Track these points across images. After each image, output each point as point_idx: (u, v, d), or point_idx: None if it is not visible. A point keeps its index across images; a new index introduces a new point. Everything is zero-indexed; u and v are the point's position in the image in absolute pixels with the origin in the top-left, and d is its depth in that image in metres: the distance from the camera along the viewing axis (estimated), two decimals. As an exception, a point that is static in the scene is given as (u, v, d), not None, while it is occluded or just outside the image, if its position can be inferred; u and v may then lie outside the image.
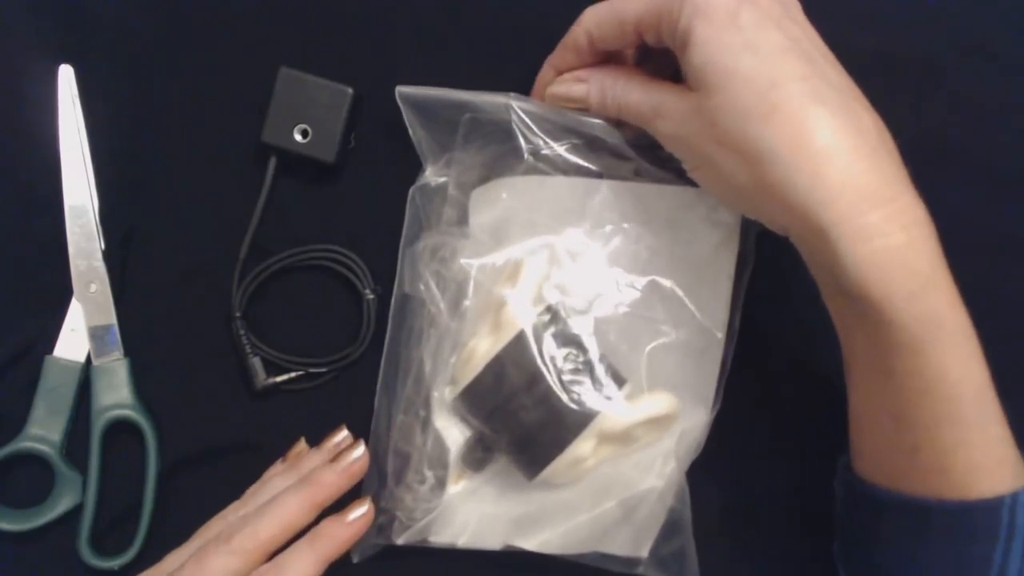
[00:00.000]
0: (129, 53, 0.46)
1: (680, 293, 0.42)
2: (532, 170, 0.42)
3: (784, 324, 0.45)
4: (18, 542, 0.45)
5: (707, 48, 0.35)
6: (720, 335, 0.42)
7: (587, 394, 0.40)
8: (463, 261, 0.42)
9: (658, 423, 0.41)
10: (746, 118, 0.34)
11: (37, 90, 0.45)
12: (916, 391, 0.34)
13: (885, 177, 0.34)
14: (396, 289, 0.43)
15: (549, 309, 0.41)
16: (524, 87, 0.43)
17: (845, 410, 0.39)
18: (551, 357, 0.40)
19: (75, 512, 0.45)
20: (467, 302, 0.42)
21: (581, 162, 0.42)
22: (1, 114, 0.46)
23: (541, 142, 0.42)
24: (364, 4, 0.46)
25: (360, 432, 0.44)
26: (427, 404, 0.42)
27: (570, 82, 0.41)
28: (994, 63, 0.46)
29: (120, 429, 0.45)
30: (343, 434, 0.42)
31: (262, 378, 0.45)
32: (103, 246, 0.45)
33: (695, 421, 0.42)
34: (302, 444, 0.43)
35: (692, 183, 0.39)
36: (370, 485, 0.43)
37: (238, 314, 0.45)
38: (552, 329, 0.40)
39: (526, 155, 0.41)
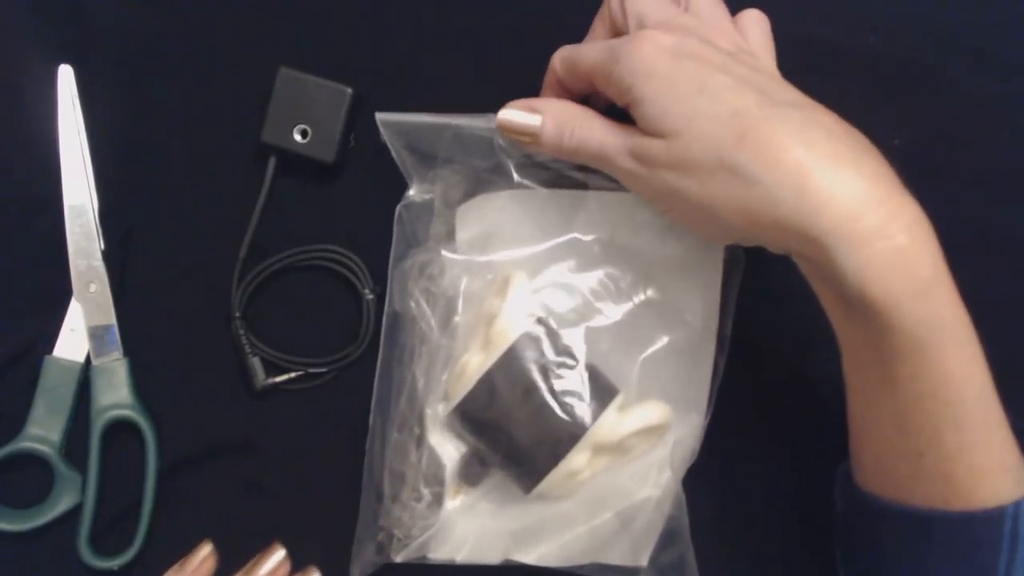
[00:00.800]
0: (129, 53, 0.46)
1: (670, 300, 0.42)
2: (517, 184, 0.42)
3: (777, 329, 0.45)
4: (18, 542, 0.45)
5: (659, 102, 0.35)
6: (712, 341, 0.42)
7: (580, 406, 0.39)
8: (452, 277, 0.42)
9: (652, 432, 0.41)
10: (719, 148, 0.34)
11: (37, 90, 0.45)
12: (919, 395, 0.34)
13: (873, 179, 0.33)
14: (387, 307, 0.43)
15: (539, 322, 0.40)
16: (524, 87, 0.42)
17: (840, 414, 0.38)
18: (543, 370, 0.40)
19: (75, 512, 0.45)
20: (457, 318, 0.42)
21: (566, 174, 0.42)
22: (1, 114, 0.46)
23: (525, 157, 0.41)
24: (364, 4, 0.46)
25: (360, 430, 0.44)
26: (421, 421, 0.42)
27: (522, 110, 0.39)
28: (994, 63, 0.46)
29: (120, 429, 0.45)
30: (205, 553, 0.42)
31: (262, 378, 0.45)
32: (103, 246, 0.45)
33: (689, 429, 0.42)
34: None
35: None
36: (367, 504, 0.43)
37: (238, 314, 0.45)
38: (543, 342, 0.40)
39: (513, 171, 0.41)
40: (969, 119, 0.46)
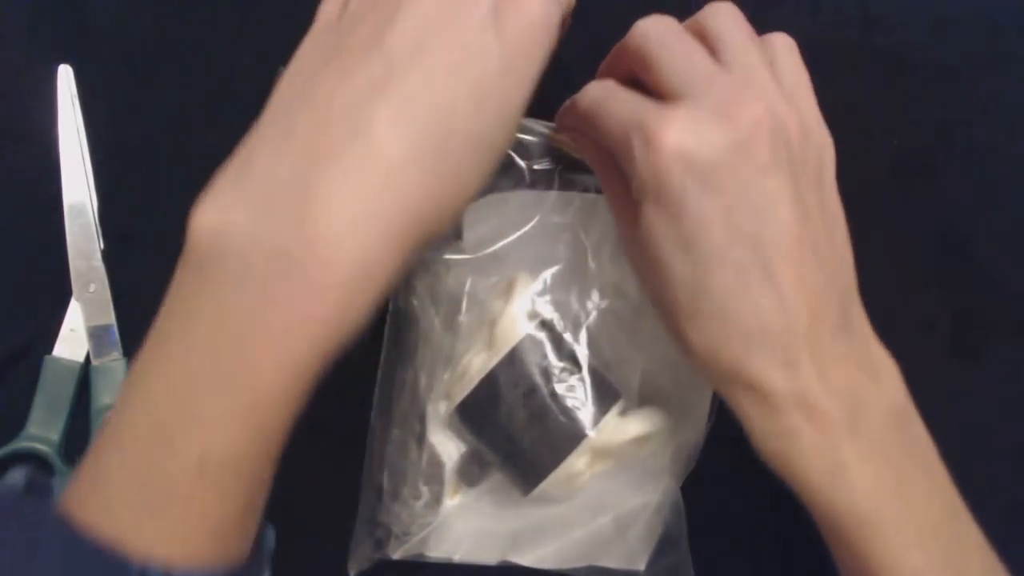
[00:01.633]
0: (129, 53, 0.46)
1: None
2: (527, 185, 0.42)
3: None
4: (18, 542, 0.45)
5: (647, 232, 0.33)
6: None
7: (581, 410, 0.39)
8: (457, 276, 0.42)
9: (652, 438, 0.41)
10: (673, 310, 0.33)
11: (36, 90, 0.45)
12: (852, 569, 0.34)
13: (800, 387, 0.32)
14: (391, 305, 0.43)
15: (543, 324, 0.40)
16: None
17: None
18: (545, 372, 0.40)
19: (74, 512, 0.45)
20: (461, 317, 0.42)
21: (576, 178, 0.42)
22: (0, 114, 0.46)
23: (536, 159, 0.41)
24: (364, 4, 0.46)
25: (360, 430, 0.44)
26: (422, 419, 0.42)
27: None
28: (994, 63, 0.46)
29: (119, 429, 0.45)
30: None
31: (261, 378, 0.45)
32: (102, 246, 0.45)
33: (690, 435, 0.42)
34: None
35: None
36: (366, 500, 0.43)
37: (238, 314, 0.45)
38: (546, 345, 0.40)
39: (525, 172, 0.41)
40: (969, 119, 0.46)
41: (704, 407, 0.42)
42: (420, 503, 0.42)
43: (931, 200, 0.46)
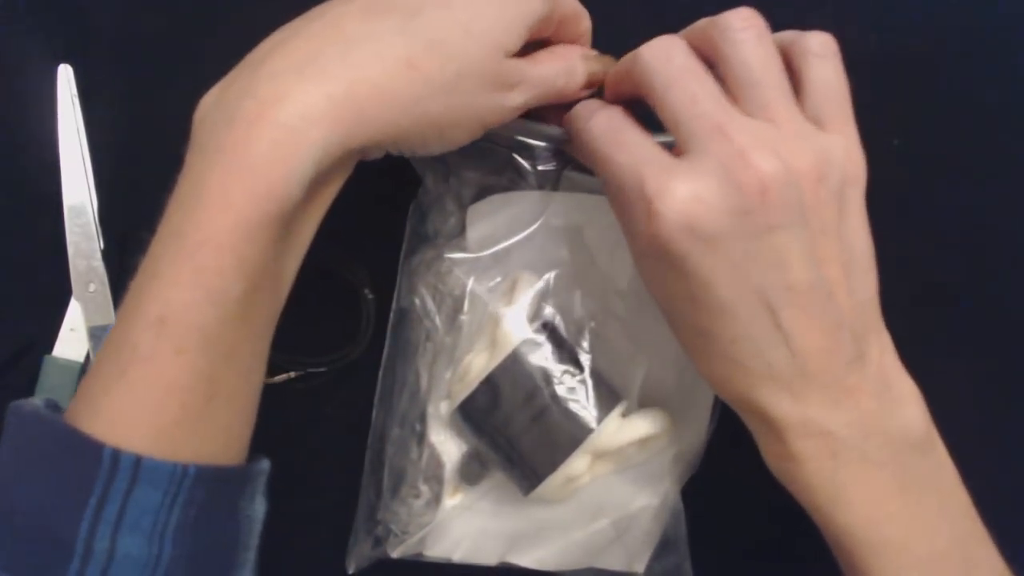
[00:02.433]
0: (129, 53, 0.46)
1: None
2: (531, 186, 0.42)
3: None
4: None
5: (651, 285, 0.34)
6: None
7: (582, 412, 0.39)
8: (459, 276, 0.42)
9: (653, 441, 0.41)
10: (681, 341, 0.35)
11: (36, 89, 0.45)
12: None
13: (808, 417, 0.33)
14: (394, 303, 0.43)
15: (546, 326, 0.40)
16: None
17: None
18: (547, 374, 0.40)
19: (74, 512, 0.45)
20: (463, 317, 0.42)
21: (581, 179, 0.42)
22: (0, 114, 0.46)
23: (540, 161, 0.41)
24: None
25: (361, 430, 0.44)
26: (423, 419, 0.43)
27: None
28: (995, 63, 0.46)
29: (119, 429, 0.45)
30: None
31: (261, 378, 0.45)
32: (102, 246, 0.45)
33: (691, 439, 0.42)
34: None
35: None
36: (366, 498, 0.43)
37: (238, 314, 0.45)
38: (548, 346, 0.40)
39: (529, 173, 0.41)
40: (969, 119, 0.46)
41: (706, 411, 0.42)
42: (420, 502, 0.42)
43: (931, 200, 0.46)
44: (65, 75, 0.45)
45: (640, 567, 0.43)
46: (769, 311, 0.32)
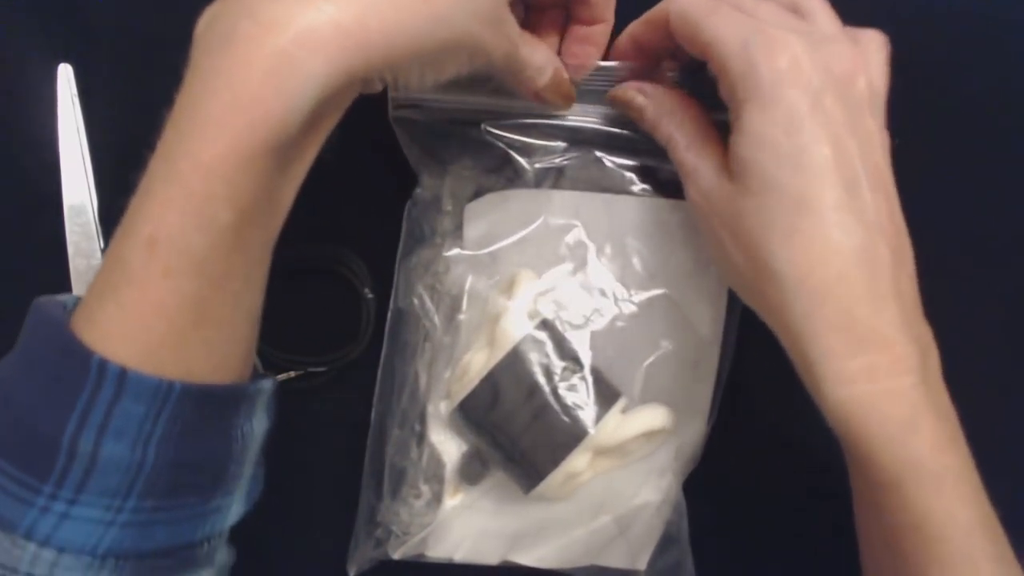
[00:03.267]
0: (129, 53, 0.46)
1: (676, 306, 0.42)
2: (528, 184, 0.42)
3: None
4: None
5: (753, 145, 0.33)
6: (716, 346, 0.42)
7: (582, 408, 0.39)
8: (457, 275, 0.42)
9: (653, 437, 0.41)
10: (768, 232, 0.33)
11: (36, 89, 0.45)
12: (901, 526, 0.34)
13: (885, 323, 0.33)
14: (392, 303, 0.43)
15: (544, 323, 0.40)
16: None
17: None
18: (546, 371, 0.40)
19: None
20: (461, 316, 0.42)
21: (579, 176, 0.42)
22: (0, 114, 0.46)
23: (538, 158, 0.41)
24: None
25: (361, 429, 0.44)
26: (422, 418, 0.43)
27: (635, 92, 0.40)
28: (994, 62, 0.46)
29: (119, 429, 0.45)
30: None
31: (262, 377, 0.45)
32: (103, 246, 0.45)
33: (691, 434, 0.43)
34: None
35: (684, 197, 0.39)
36: (366, 499, 0.43)
37: (238, 314, 0.45)
38: (548, 343, 0.40)
39: (527, 171, 0.41)
40: (969, 119, 0.46)
41: (705, 406, 0.42)
42: (420, 502, 0.42)
43: (931, 200, 0.46)
44: (65, 75, 0.45)
45: (642, 564, 0.43)
46: (863, 186, 0.33)
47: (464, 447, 0.43)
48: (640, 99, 0.39)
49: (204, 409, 0.32)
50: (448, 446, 0.43)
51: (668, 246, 0.42)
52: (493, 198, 0.42)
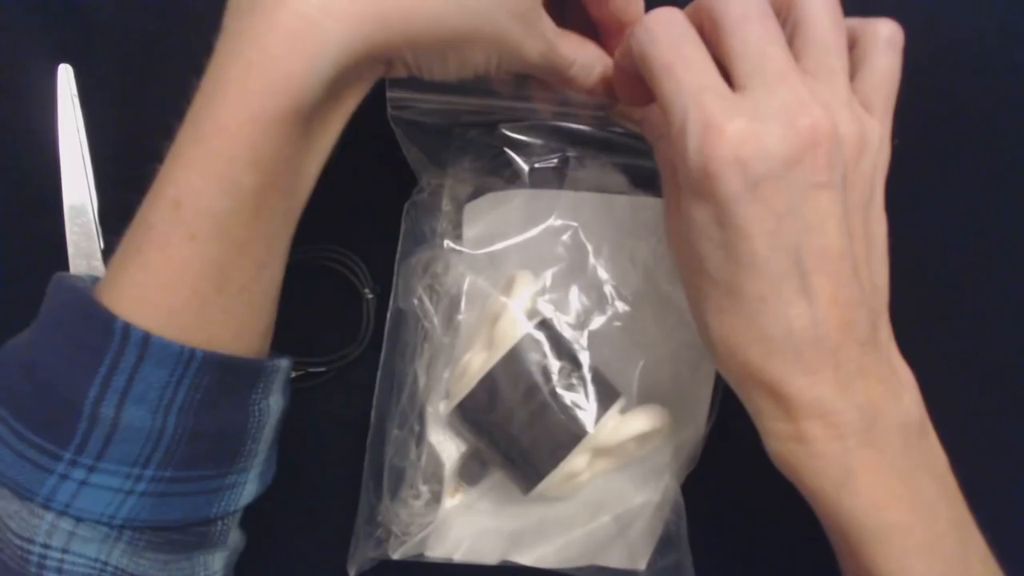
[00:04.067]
0: (129, 53, 0.46)
1: (674, 305, 0.42)
2: (527, 184, 0.42)
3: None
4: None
5: (688, 227, 0.33)
6: None
7: (581, 408, 0.40)
8: (456, 275, 0.42)
9: (652, 436, 0.41)
10: (702, 304, 0.34)
11: (36, 89, 0.45)
12: (857, 571, 0.34)
13: (817, 396, 0.32)
14: (392, 303, 0.43)
15: (543, 323, 0.40)
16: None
17: None
18: (545, 371, 0.40)
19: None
20: (460, 316, 0.42)
21: (578, 177, 0.42)
22: (0, 114, 0.46)
23: (537, 158, 0.42)
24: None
25: (361, 429, 0.44)
26: (421, 419, 0.43)
27: (627, 113, 0.39)
28: (994, 62, 0.46)
29: (119, 429, 0.45)
30: None
31: (262, 378, 0.45)
32: (102, 246, 0.45)
33: (690, 434, 0.43)
34: None
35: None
36: (366, 500, 0.43)
37: (238, 314, 0.45)
38: (546, 343, 0.40)
39: (525, 171, 0.41)
40: (969, 119, 0.46)
41: (704, 406, 0.43)
42: (420, 502, 0.42)
43: (931, 200, 0.46)
44: (65, 75, 0.45)
45: (642, 564, 0.43)
46: (800, 273, 0.31)
47: (463, 447, 0.43)
48: (630, 122, 0.39)
49: (224, 380, 0.32)
50: (447, 446, 0.43)
51: (664, 244, 0.42)
52: (492, 198, 0.43)
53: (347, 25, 0.30)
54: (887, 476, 0.33)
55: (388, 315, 0.43)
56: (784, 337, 0.32)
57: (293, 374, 0.46)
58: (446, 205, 0.43)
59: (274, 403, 0.35)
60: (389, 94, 0.41)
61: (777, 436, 0.34)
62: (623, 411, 0.41)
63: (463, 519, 0.43)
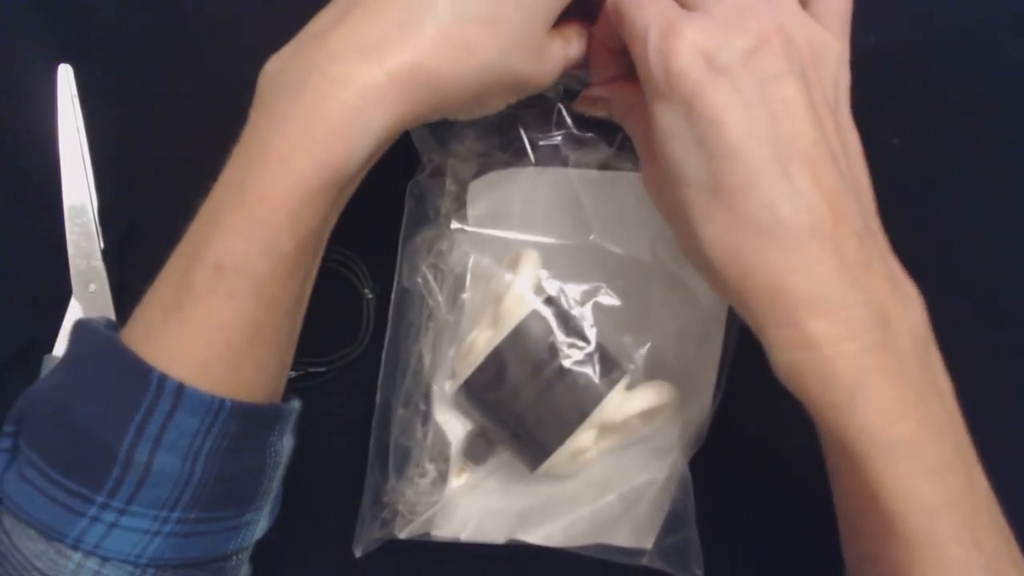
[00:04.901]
0: (129, 53, 0.46)
1: (679, 281, 0.42)
2: (532, 162, 0.42)
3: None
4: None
5: (661, 137, 0.33)
6: (721, 322, 0.42)
7: (587, 385, 0.40)
8: (460, 254, 0.42)
9: (658, 413, 0.41)
10: (691, 219, 0.33)
11: (36, 89, 0.45)
12: (862, 499, 0.32)
13: (821, 291, 0.31)
14: (396, 284, 0.44)
15: (549, 300, 0.41)
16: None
17: None
18: (551, 348, 0.40)
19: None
20: (465, 295, 0.42)
21: (578, 154, 0.42)
22: (0, 114, 0.46)
23: (541, 135, 0.42)
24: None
25: (361, 429, 0.44)
26: (427, 398, 0.43)
27: (600, 90, 0.40)
28: (994, 62, 0.46)
29: (119, 428, 0.45)
30: None
31: (261, 377, 0.45)
32: (102, 245, 0.45)
33: (697, 411, 0.43)
34: None
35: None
36: (372, 480, 0.43)
37: (238, 314, 0.45)
38: (552, 320, 0.40)
39: (529, 149, 0.42)
40: (969, 118, 0.46)
41: (710, 383, 0.43)
42: (426, 481, 0.43)
43: (931, 200, 0.46)
44: (65, 75, 0.45)
45: (648, 542, 0.43)
46: (777, 158, 0.31)
47: (469, 426, 0.43)
48: (603, 101, 0.39)
49: (247, 426, 0.34)
50: (453, 425, 0.43)
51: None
52: (496, 176, 0.43)
53: (389, 109, 0.33)
54: (900, 386, 0.31)
55: (392, 295, 0.43)
56: (775, 225, 0.31)
57: (293, 374, 0.46)
58: (450, 184, 0.43)
59: (287, 442, 0.37)
60: None
61: (783, 345, 0.32)
62: (629, 388, 0.41)
63: (469, 498, 0.43)
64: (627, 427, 0.41)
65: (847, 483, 0.33)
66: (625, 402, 0.40)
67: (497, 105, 0.37)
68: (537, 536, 0.43)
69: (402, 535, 0.42)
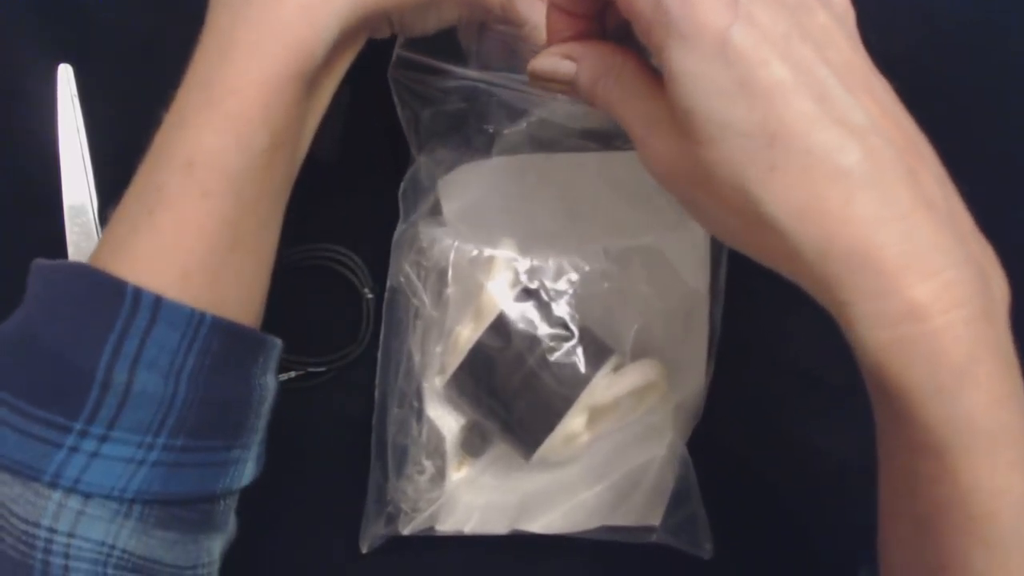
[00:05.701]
0: (129, 53, 0.46)
1: (661, 260, 0.42)
2: (499, 152, 0.42)
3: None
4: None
5: (690, 89, 0.27)
6: (705, 296, 0.42)
7: (572, 370, 0.39)
8: (440, 250, 0.42)
9: (648, 391, 0.41)
10: (745, 179, 0.27)
11: (36, 89, 0.45)
12: (943, 501, 0.27)
13: (923, 246, 0.26)
14: (388, 283, 0.44)
15: (526, 292, 0.41)
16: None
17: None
18: (533, 336, 0.40)
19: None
20: (448, 290, 0.42)
21: (551, 139, 0.42)
22: (0, 114, 0.46)
23: (505, 124, 0.42)
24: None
25: (361, 429, 0.44)
26: (419, 395, 0.43)
27: (557, 58, 0.33)
28: (993, 62, 0.46)
29: (119, 429, 0.45)
30: None
31: (261, 378, 0.45)
32: (102, 246, 0.45)
33: (690, 389, 0.43)
34: None
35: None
36: (375, 478, 0.43)
37: (238, 314, 0.45)
38: (533, 309, 0.40)
39: (495, 139, 0.42)
40: (968, 118, 0.46)
41: (701, 359, 0.43)
42: (424, 478, 0.43)
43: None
44: (65, 75, 0.45)
45: (656, 520, 0.43)
46: (833, 87, 0.27)
47: (462, 420, 0.43)
48: (565, 65, 0.33)
49: (229, 347, 0.32)
50: (446, 420, 0.43)
51: (646, 199, 0.42)
52: (466, 170, 0.43)
53: None
54: (1004, 364, 0.27)
55: (384, 295, 0.43)
56: (853, 166, 0.26)
57: (293, 374, 0.46)
58: (424, 181, 0.43)
59: (270, 381, 0.35)
60: (397, 51, 0.41)
61: (881, 321, 0.26)
62: (616, 369, 0.41)
63: (470, 492, 0.43)
64: (619, 409, 0.41)
65: (927, 487, 0.28)
66: (613, 383, 0.40)
67: (450, 17, 0.37)
68: (539, 525, 0.43)
69: (406, 531, 0.43)
